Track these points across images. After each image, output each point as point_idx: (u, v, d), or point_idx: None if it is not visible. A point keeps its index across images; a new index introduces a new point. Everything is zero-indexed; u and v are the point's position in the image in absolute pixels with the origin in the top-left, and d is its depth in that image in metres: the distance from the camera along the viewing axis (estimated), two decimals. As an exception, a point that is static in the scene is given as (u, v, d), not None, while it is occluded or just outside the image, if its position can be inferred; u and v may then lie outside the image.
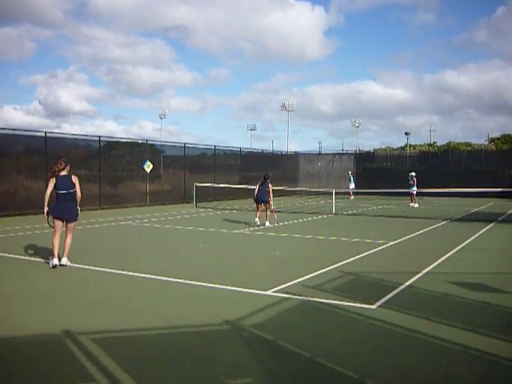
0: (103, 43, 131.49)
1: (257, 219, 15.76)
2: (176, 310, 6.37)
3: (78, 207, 9.03)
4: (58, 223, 8.89)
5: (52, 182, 8.85)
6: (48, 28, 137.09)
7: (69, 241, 8.96)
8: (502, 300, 6.75)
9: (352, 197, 30.79)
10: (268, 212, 15.93)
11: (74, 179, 8.96)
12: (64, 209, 8.87)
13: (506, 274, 8.67)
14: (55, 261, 8.69)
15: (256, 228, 15.14)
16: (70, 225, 9.02)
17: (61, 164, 8.97)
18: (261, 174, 33.51)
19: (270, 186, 15.85)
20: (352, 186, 31.07)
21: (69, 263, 8.86)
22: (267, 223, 15.71)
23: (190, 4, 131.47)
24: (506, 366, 4.58)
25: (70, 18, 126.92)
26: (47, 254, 10.05)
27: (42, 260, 9.46)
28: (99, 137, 23.32)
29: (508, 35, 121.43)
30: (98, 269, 8.73)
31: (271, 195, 15.87)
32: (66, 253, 8.90)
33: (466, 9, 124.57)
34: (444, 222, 17.22)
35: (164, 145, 29.30)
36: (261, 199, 15.88)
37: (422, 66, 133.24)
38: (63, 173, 8.96)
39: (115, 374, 4.27)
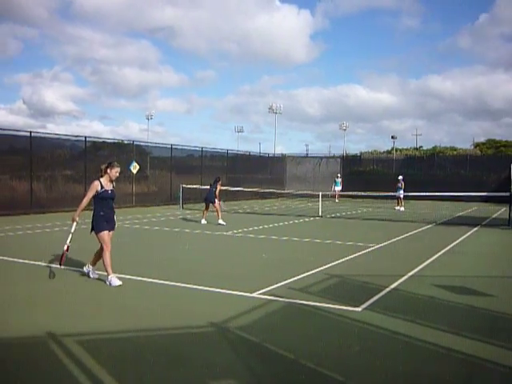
0: (89, 43, 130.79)
1: (203, 219, 17.01)
2: (161, 312, 6.32)
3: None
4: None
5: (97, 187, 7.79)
6: (33, 27, 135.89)
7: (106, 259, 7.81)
8: (485, 303, 6.80)
9: (337, 200, 30.90)
10: (219, 212, 16.79)
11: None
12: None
13: (489, 277, 8.74)
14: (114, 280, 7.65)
15: (241, 230, 15.13)
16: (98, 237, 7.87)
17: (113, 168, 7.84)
18: (248, 175, 33.97)
19: (218, 187, 17.17)
20: (338, 188, 31.15)
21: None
22: (220, 221, 16.44)
23: (177, 5, 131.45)
24: (489, 369, 4.61)
25: (55, 18, 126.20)
26: (27, 254, 9.99)
27: (22, 261, 9.36)
28: (85, 137, 23.14)
29: (490, 41, 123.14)
30: (79, 270, 8.65)
31: (217, 195, 17.06)
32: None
33: (450, 15, 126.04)
34: (429, 226, 17.33)
35: (150, 146, 29.17)
36: (208, 199, 17.08)
37: (407, 71, 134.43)
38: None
39: (99, 375, 4.23)
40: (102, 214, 7.69)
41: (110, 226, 7.79)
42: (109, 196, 7.74)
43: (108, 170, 7.72)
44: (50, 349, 4.88)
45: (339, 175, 32.70)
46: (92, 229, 7.76)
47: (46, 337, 5.20)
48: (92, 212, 7.80)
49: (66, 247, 7.91)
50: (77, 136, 23.52)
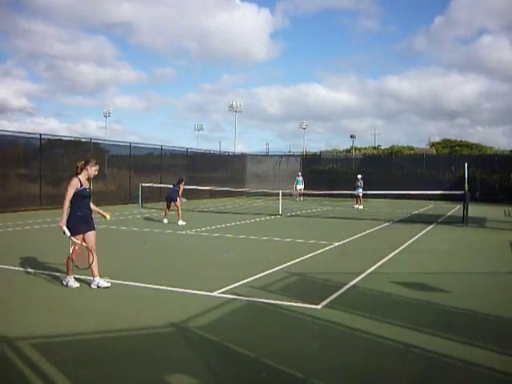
0: (43, 38, 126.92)
1: (165, 219, 16.98)
2: (120, 312, 6.22)
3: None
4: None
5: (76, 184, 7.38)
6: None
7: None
8: (441, 298, 6.97)
9: (297, 198, 31.16)
10: (180, 211, 16.74)
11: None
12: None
13: (445, 273, 8.96)
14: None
15: (202, 229, 15.05)
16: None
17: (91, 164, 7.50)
18: (208, 174, 33.82)
19: (181, 187, 17.26)
20: (300, 186, 31.33)
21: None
22: (180, 222, 16.36)
23: (134, 1, 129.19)
24: (445, 363, 4.71)
25: (5, 10, 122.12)
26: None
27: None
28: (40, 134, 22.53)
29: (445, 43, 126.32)
30: (32, 271, 8.43)
31: (179, 195, 17.11)
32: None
33: (407, 17, 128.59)
34: (387, 224, 17.65)
35: (109, 144, 28.67)
36: (170, 198, 17.16)
37: (365, 71, 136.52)
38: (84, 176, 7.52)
39: (56, 379, 4.13)
40: (80, 215, 7.24)
41: (88, 226, 7.35)
42: (87, 195, 7.36)
43: (88, 168, 7.37)
44: (4, 353, 4.73)
45: (300, 174, 32.90)
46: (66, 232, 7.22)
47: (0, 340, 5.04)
48: (69, 213, 7.30)
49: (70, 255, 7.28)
50: (31, 133, 22.90)
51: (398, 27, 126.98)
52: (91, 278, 7.33)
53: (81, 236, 7.26)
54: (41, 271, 8.43)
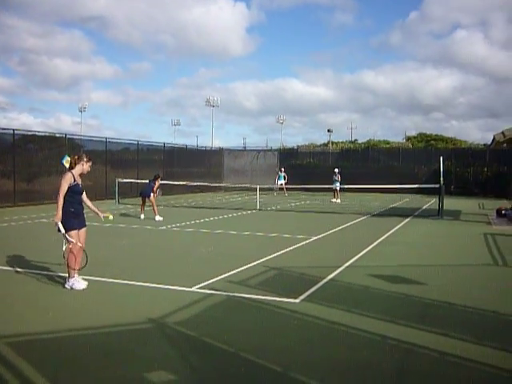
0: (15, 31, 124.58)
1: (142, 215, 16.92)
2: (98, 309, 6.15)
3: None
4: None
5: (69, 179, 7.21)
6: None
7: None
8: (417, 291, 7.06)
9: (275, 193, 31.20)
10: (155, 207, 16.71)
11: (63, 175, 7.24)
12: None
13: (421, 266, 9.07)
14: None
15: (179, 224, 14.98)
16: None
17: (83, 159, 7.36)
18: (185, 169, 33.65)
19: (156, 183, 17.21)
20: (281, 181, 31.23)
21: None
22: (157, 217, 16.29)
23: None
24: (421, 353, 4.78)
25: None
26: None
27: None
28: (13, 130, 22.11)
29: (420, 38, 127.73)
30: (9, 269, 8.30)
31: (154, 191, 17.07)
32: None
33: (382, 12, 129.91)
34: (364, 217, 17.80)
35: (84, 139, 28.28)
36: (144, 194, 17.13)
37: (341, 66, 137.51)
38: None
39: (33, 378, 4.07)
40: (72, 211, 7.04)
41: (81, 222, 7.21)
42: (79, 190, 7.21)
43: (82, 163, 7.22)
44: (-22, 352, 4.64)
45: (283, 169, 32.64)
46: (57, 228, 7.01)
47: (-28, 339, 4.94)
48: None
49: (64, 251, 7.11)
50: (4, 129, 22.45)
51: (374, 22, 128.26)
52: (62, 275, 7.23)
53: (76, 232, 7.08)
54: (20, 269, 8.29)
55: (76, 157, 7.30)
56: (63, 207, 7.01)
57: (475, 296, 6.97)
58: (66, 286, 7.05)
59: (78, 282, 7.04)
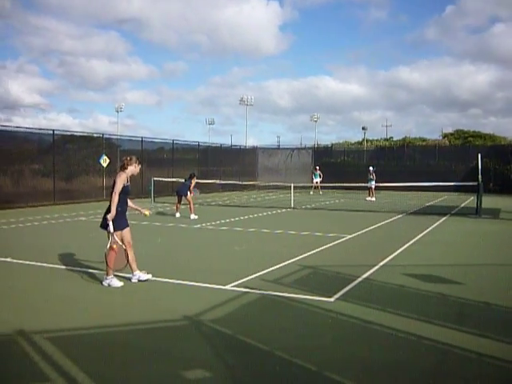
0: (54, 34, 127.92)
1: (177, 213, 17.12)
2: (134, 307, 6.27)
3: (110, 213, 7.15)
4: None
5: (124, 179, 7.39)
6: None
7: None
8: (454, 291, 6.94)
9: (311, 191, 31.06)
10: (191, 205, 16.81)
11: (117, 175, 7.36)
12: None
13: (458, 265, 8.92)
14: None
15: (213, 223, 15.10)
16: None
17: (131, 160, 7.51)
18: (220, 168, 33.87)
19: (193, 182, 17.34)
20: (316, 179, 31.01)
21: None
22: (192, 216, 16.43)
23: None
24: (457, 355, 4.71)
25: (17, 8, 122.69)
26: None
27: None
28: (53, 130, 22.68)
29: (457, 33, 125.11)
30: (50, 266, 8.53)
31: (190, 190, 17.18)
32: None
33: (417, 7, 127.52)
34: (400, 216, 17.58)
35: (121, 139, 28.80)
36: (180, 192, 17.28)
37: (375, 62, 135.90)
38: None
39: (71, 372, 4.18)
40: (120, 210, 7.20)
41: (126, 222, 7.37)
42: (128, 191, 7.41)
43: (134, 165, 7.42)
44: (21, 347, 4.80)
45: (317, 168, 32.40)
46: (105, 225, 7.18)
47: (15, 334, 5.11)
48: (108, 207, 7.25)
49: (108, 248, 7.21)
50: (44, 129, 23.08)
51: (409, 17, 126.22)
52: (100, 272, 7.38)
53: (119, 232, 7.23)
54: (60, 266, 8.51)
55: (128, 158, 7.46)
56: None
57: (515, 296, 6.82)
58: (104, 283, 7.21)
59: (115, 280, 7.19)
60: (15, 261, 8.92)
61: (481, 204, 17.33)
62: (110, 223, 7.12)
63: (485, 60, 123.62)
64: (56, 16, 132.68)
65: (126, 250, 7.25)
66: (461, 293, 6.84)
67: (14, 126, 22.41)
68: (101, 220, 7.36)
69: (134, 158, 7.49)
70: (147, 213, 7.92)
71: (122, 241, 7.26)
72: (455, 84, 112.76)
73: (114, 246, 7.13)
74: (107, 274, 7.23)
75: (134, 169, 7.44)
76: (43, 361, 4.40)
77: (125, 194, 7.28)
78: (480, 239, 12.18)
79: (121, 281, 7.28)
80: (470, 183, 19.81)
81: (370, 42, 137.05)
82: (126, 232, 7.37)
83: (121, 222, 7.25)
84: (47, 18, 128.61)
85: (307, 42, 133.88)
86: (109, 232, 7.16)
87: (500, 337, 5.12)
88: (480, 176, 17.69)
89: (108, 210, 7.20)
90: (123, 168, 7.38)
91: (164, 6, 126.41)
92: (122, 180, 7.21)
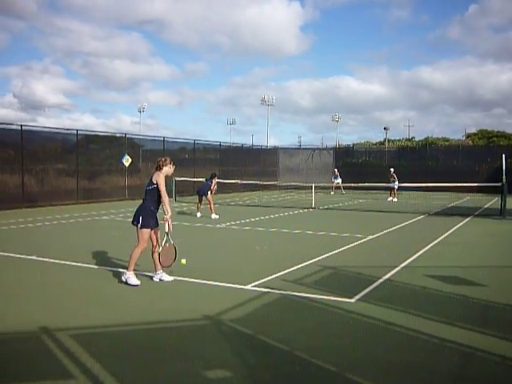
0: (78, 36, 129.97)
1: (198, 213, 17.15)
2: (154, 305, 6.32)
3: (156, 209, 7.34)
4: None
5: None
6: (21, 20, 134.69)
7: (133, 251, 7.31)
8: (477, 293, 6.85)
9: (332, 192, 30.90)
10: (212, 205, 16.85)
11: (155, 175, 7.37)
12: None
13: (482, 267, 8.80)
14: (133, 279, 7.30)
15: (234, 223, 15.13)
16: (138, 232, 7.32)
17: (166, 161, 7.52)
18: (241, 168, 33.95)
19: (213, 181, 17.33)
20: (338, 180, 30.83)
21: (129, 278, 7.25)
22: (213, 215, 16.49)
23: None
24: (481, 358, 4.65)
25: (43, 10, 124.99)
26: (20, 248, 9.95)
27: (14, 255, 9.33)
28: (77, 130, 22.97)
29: (480, 32, 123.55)
30: (73, 264, 8.64)
31: (212, 190, 17.22)
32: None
33: (439, 6, 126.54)
34: (422, 217, 17.40)
35: (143, 138, 29.04)
36: (201, 192, 17.32)
37: (397, 62, 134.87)
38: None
39: (93, 370, 4.23)
40: (152, 209, 7.30)
41: (156, 222, 7.40)
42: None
43: (170, 166, 7.46)
44: (45, 344, 4.87)
45: (336, 170, 32.06)
46: (137, 222, 7.24)
47: (39, 331, 5.19)
48: (141, 204, 7.39)
49: (160, 248, 7.39)
50: (68, 129, 23.40)
51: (431, 17, 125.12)
52: (122, 271, 7.45)
53: (149, 231, 7.30)
54: (84, 264, 8.62)
55: (163, 159, 7.51)
56: (145, 205, 7.32)
57: (540, 299, 6.70)
58: (155, 279, 7.44)
59: (134, 278, 7.23)
60: (40, 258, 9.06)
61: (505, 205, 17.06)
62: (169, 222, 7.36)
63: (508, 59, 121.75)
64: (79, 17, 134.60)
65: (173, 245, 7.46)
66: (484, 295, 6.74)
67: (38, 126, 22.82)
68: (132, 217, 7.44)
69: (168, 159, 7.55)
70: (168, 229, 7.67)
71: (151, 239, 7.38)
72: (478, 83, 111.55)
73: (167, 245, 7.37)
74: (155, 270, 7.45)
75: (168, 169, 7.49)
76: (66, 358, 4.46)
77: (159, 194, 7.30)
78: (503, 240, 11.99)
79: (142, 280, 7.35)
80: (494, 184, 19.52)
81: (391, 41, 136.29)
82: (156, 231, 7.47)
83: (152, 221, 7.32)
84: (71, 20, 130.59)
85: (328, 42, 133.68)
86: (166, 232, 7.40)
87: (524, 340, 5.04)
88: (504, 176, 17.42)
89: (140, 209, 7.32)
90: (159, 168, 7.42)
91: (185, 7, 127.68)
92: (163, 178, 7.28)
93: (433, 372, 4.34)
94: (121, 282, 7.29)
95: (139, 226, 7.23)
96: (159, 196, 7.31)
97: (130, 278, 7.21)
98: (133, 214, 7.47)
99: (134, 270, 7.31)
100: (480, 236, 12.78)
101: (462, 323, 5.54)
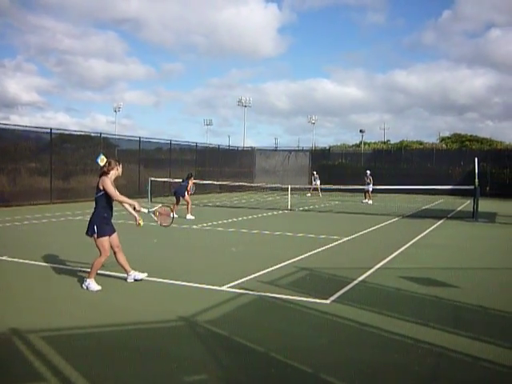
0: (52, 33, 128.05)
1: (174, 214, 16.60)
2: (129, 306, 6.26)
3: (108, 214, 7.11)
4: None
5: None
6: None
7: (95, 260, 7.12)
8: (450, 294, 6.95)
9: (309, 194, 31.01)
10: (189, 206, 16.97)
11: (100, 181, 7.07)
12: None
13: (454, 268, 8.93)
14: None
15: (210, 224, 15.08)
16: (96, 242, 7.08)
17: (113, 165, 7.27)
18: (217, 169, 33.89)
19: (190, 182, 17.37)
20: (317, 182, 30.86)
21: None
22: (189, 216, 16.56)
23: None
24: (454, 358, 4.71)
25: (16, 6, 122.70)
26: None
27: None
28: (50, 129, 22.61)
29: (453, 37, 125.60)
30: (45, 265, 8.50)
31: (188, 191, 17.25)
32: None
33: (414, 11, 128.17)
34: (396, 219, 17.59)
35: (118, 138, 28.76)
36: (178, 193, 17.32)
37: (373, 66, 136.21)
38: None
39: (65, 372, 4.16)
40: (106, 216, 7.05)
41: (112, 228, 7.18)
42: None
43: (116, 167, 7.20)
44: (15, 346, 4.78)
45: (315, 172, 32.07)
46: (91, 232, 6.98)
47: (9, 333, 5.09)
48: (93, 213, 7.08)
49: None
50: (41, 128, 23.02)
51: (406, 21, 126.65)
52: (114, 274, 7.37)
53: (107, 238, 7.05)
54: (61, 265, 8.49)
55: (107, 164, 7.22)
56: (96, 212, 7.05)
57: (510, 300, 6.83)
58: (83, 285, 7.05)
59: (94, 284, 7.00)
60: (11, 259, 8.90)
61: (477, 208, 17.36)
62: (143, 210, 7.46)
63: (481, 64, 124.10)
64: (54, 15, 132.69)
65: (116, 253, 7.24)
66: (456, 296, 6.84)
67: (11, 125, 22.38)
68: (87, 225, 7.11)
69: (112, 162, 7.25)
70: (141, 223, 7.83)
71: (111, 246, 7.14)
72: (452, 88, 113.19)
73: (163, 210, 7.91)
74: (127, 273, 7.40)
75: (116, 172, 7.22)
76: (38, 360, 4.38)
77: (109, 199, 7.08)
78: (476, 243, 12.20)
79: (117, 281, 7.26)
80: (467, 187, 19.84)
81: (367, 44, 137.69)
82: (114, 237, 7.22)
83: (107, 228, 7.08)
84: (45, 17, 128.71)
85: (305, 45, 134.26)
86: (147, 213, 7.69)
87: (495, 340, 5.12)
88: (477, 180, 17.72)
89: (93, 218, 7.04)
90: (104, 174, 7.08)
91: (162, 7, 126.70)
92: (107, 182, 6.97)
93: (408, 372, 4.39)
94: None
95: (95, 235, 6.96)
96: (110, 201, 7.10)
97: (91, 284, 6.97)
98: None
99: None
100: (453, 238, 12.97)
101: (434, 324, 5.61)
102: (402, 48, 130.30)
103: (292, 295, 6.72)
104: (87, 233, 7.09)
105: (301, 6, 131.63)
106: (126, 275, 7.42)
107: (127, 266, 7.36)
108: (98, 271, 7.29)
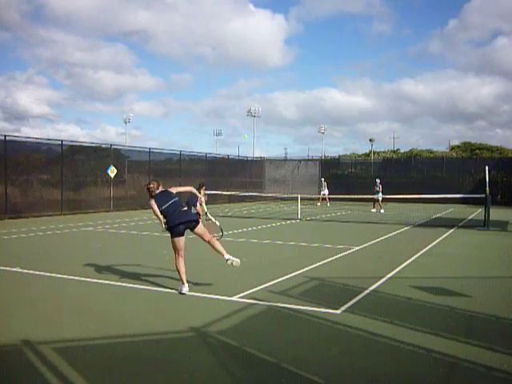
0: (62, 46, 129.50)
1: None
2: (140, 317, 6.26)
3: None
4: (178, 241, 8.00)
5: (154, 204, 7.93)
6: (4, 30, 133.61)
7: (216, 245, 8.13)
8: (462, 303, 6.89)
9: (318, 203, 30.94)
10: (202, 215, 16.65)
11: (172, 189, 8.33)
12: (181, 218, 7.88)
13: (466, 278, 8.85)
14: (185, 288, 7.47)
15: (219, 234, 15.06)
16: (198, 230, 8.15)
17: (152, 185, 8.20)
18: (227, 179, 33.96)
19: (201, 191, 17.02)
20: (325, 192, 30.82)
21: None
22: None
23: (150, 9, 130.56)
24: (466, 368, 4.66)
25: (26, 20, 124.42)
26: (2, 260, 9.83)
27: None
28: (61, 141, 22.85)
29: (460, 46, 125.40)
30: (57, 276, 8.54)
31: (201, 200, 16.77)
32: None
33: (420, 21, 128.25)
34: (407, 228, 17.50)
35: (128, 149, 28.93)
36: (190, 203, 16.98)
37: (381, 75, 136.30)
38: (159, 190, 8.18)
39: (77, 383, 4.16)
40: (177, 223, 7.95)
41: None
42: (177, 205, 8.09)
43: (160, 187, 8.24)
44: (27, 357, 4.79)
45: (323, 179, 32.06)
46: (196, 222, 8.05)
47: (22, 345, 5.11)
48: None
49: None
50: (52, 140, 23.23)
51: (412, 31, 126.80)
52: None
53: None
54: (72, 277, 8.52)
55: (151, 186, 8.17)
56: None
57: (524, 310, 6.75)
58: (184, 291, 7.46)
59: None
60: (24, 271, 8.95)
61: (488, 216, 17.23)
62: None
63: (489, 73, 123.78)
64: (64, 28, 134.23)
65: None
66: (469, 306, 6.78)
67: (22, 137, 22.63)
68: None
69: (153, 183, 8.22)
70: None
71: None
72: (460, 96, 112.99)
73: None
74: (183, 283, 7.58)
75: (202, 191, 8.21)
76: (49, 371, 4.39)
77: (174, 208, 7.82)
78: (488, 251, 12.10)
79: (128, 292, 7.27)
80: (478, 195, 19.72)
81: (374, 54, 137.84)
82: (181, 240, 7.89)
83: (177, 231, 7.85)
84: (55, 31, 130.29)
85: (312, 55, 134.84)
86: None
87: (509, 350, 5.06)
88: (487, 188, 17.61)
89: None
90: (151, 197, 7.96)
91: (169, 19, 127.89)
92: (152, 206, 7.82)
93: (419, 382, 4.34)
94: (107, 292, 7.22)
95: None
96: (174, 209, 7.91)
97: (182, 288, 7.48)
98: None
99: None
100: (464, 247, 12.87)
101: (447, 334, 5.56)
102: (409, 57, 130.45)
103: (303, 305, 6.70)
104: (193, 222, 7.94)
105: (307, 16, 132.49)
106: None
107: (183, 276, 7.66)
108: (105, 281, 7.31)
